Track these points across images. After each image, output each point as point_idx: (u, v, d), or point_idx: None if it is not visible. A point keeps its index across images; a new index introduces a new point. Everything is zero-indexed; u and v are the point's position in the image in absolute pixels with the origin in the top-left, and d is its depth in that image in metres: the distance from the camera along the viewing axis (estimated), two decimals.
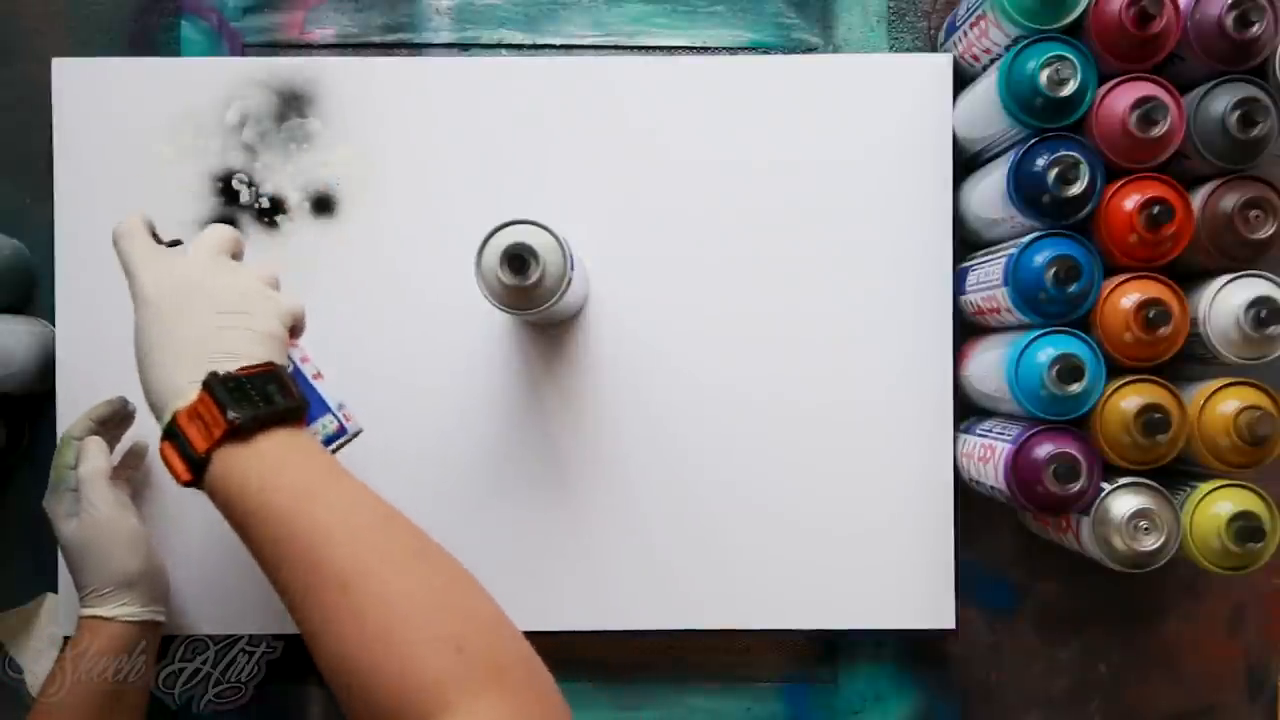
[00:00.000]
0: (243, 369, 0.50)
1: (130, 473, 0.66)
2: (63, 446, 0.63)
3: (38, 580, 0.69)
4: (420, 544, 0.47)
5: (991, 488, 0.63)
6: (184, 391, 0.49)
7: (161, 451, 0.50)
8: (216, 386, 0.48)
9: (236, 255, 0.56)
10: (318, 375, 0.59)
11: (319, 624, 0.45)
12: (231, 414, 0.48)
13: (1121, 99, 0.57)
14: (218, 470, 0.48)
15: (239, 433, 0.48)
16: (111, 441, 0.65)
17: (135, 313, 0.52)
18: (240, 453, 0.48)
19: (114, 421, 0.65)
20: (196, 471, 0.49)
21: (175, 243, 0.56)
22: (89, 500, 0.61)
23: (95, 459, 0.62)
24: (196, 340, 0.50)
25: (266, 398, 0.49)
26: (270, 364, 0.51)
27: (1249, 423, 0.56)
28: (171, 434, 0.49)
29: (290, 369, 0.55)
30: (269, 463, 0.48)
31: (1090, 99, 0.58)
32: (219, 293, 0.52)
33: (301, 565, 0.45)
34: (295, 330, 0.56)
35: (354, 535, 0.46)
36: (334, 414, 0.59)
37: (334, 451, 0.58)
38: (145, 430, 0.66)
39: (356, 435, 0.60)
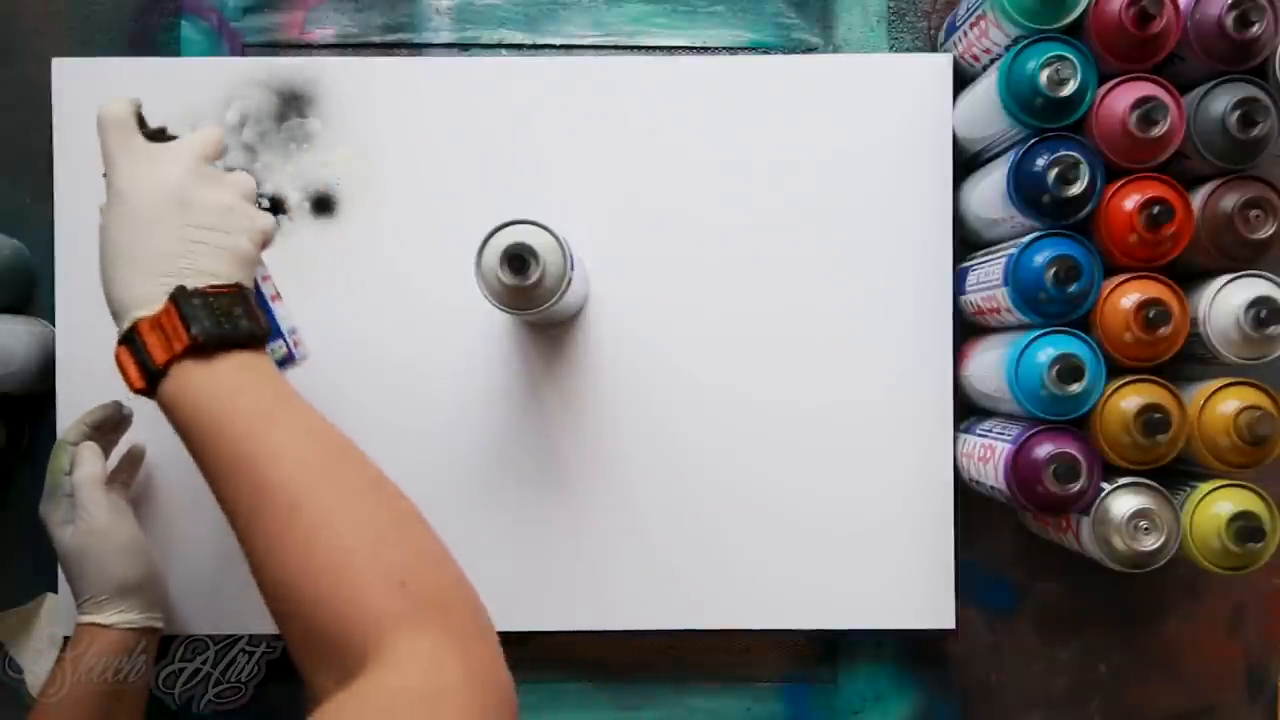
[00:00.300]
0: (211, 286, 0.50)
1: (127, 477, 0.66)
2: (57, 451, 0.63)
3: (38, 580, 0.69)
4: (372, 477, 0.47)
5: (991, 488, 0.63)
6: (148, 300, 0.49)
7: (117, 356, 0.49)
8: (183, 301, 0.48)
9: (220, 157, 0.55)
10: (275, 297, 0.59)
11: (264, 549, 0.45)
12: (195, 330, 0.47)
13: (1121, 99, 0.57)
14: (173, 385, 0.48)
15: (200, 349, 0.48)
16: (107, 446, 0.64)
17: (107, 205, 0.52)
18: (198, 370, 0.48)
19: (109, 426, 0.65)
20: (151, 382, 0.48)
21: (161, 131, 0.55)
22: (85, 507, 0.60)
23: (90, 465, 0.61)
24: (168, 252, 0.50)
25: (231, 319, 0.49)
26: (238, 285, 0.51)
27: (1249, 423, 0.56)
28: (130, 340, 0.49)
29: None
30: (225, 383, 0.48)
31: (1090, 99, 0.58)
32: (198, 205, 0.51)
33: (249, 487, 0.45)
34: (263, 247, 0.56)
35: (305, 463, 0.46)
36: (285, 339, 0.58)
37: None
38: (139, 435, 0.66)
39: (302, 361, 0.60)
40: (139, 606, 0.61)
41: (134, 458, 0.67)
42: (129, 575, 0.61)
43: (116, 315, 0.50)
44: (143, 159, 0.52)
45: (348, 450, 0.48)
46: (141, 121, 0.54)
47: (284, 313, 0.59)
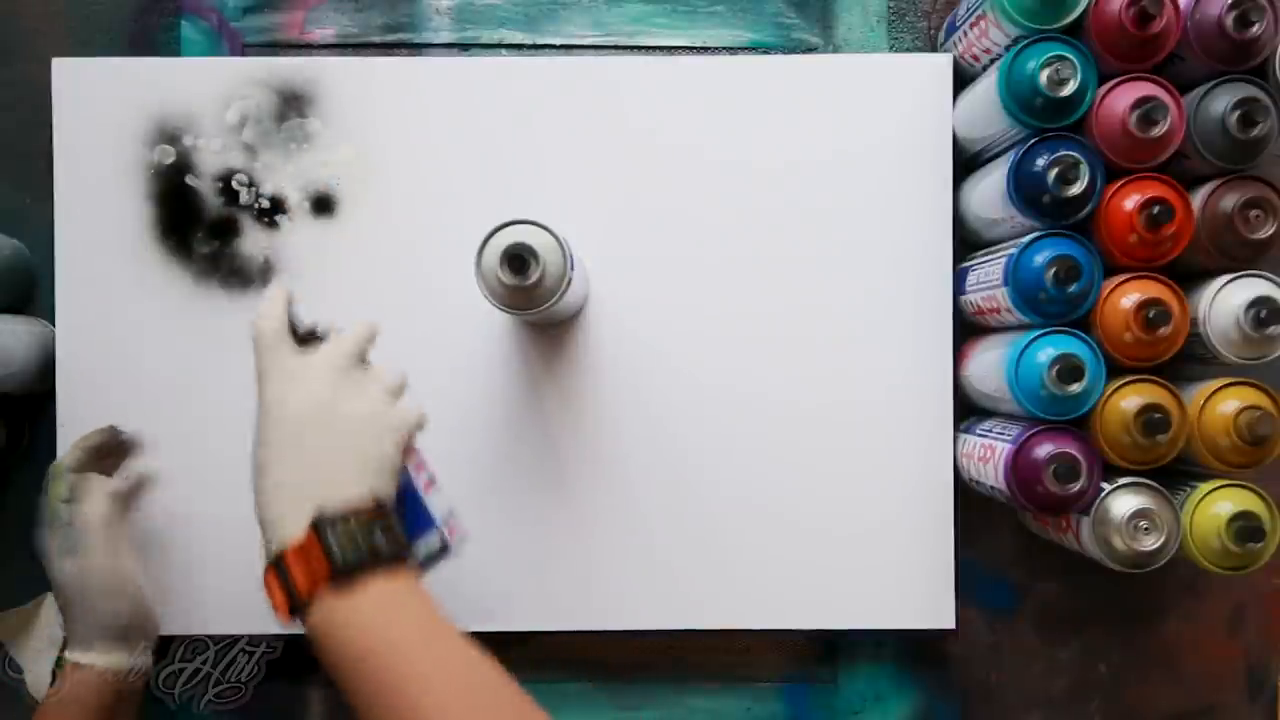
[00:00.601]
0: (352, 510, 0.50)
1: (129, 505, 0.64)
2: (54, 478, 0.61)
3: (38, 580, 0.69)
4: (516, 710, 0.47)
5: (991, 488, 0.63)
6: (293, 524, 0.49)
7: (265, 580, 0.50)
8: (323, 530, 0.48)
9: (371, 346, 0.56)
10: (429, 485, 0.58)
11: None
12: (335, 563, 0.48)
13: (1121, 99, 0.57)
14: (317, 617, 0.48)
15: (339, 581, 0.48)
16: (108, 469, 0.64)
17: (259, 418, 0.52)
18: (340, 604, 0.48)
19: (106, 450, 0.64)
20: (296, 611, 0.49)
21: (311, 334, 0.55)
22: (86, 545, 0.60)
23: (96, 503, 0.60)
24: (312, 470, 0.50)
25: (370, 543, 0.49)
26: (376, 502, 0.51)
27: (1249, 423, 0.56)
28: (278, 566, 0.49)
29: (401, 486, 0.54)
30: (366, 619, 0.48)
31: (1090, 99, 0.58)
32: (341, 419, 0.52)
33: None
34: (412, 438, 0.56)
35: (449, 697, 0.46)
36: (440, 529, 0.57)
37: (431, 567, 0.57)
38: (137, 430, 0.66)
39: (459, 548, 0.58)
40: (127, 648, 0.61)
41: (139, 484, 0.65)
42: (123, 619, 0.60)
43: (265, 536, 0.51)
44: (291, 376, 0.52)
45: (489, 680, 0.48)
46: (292, 327, 0.55)
47: (439, 500, 0.58)
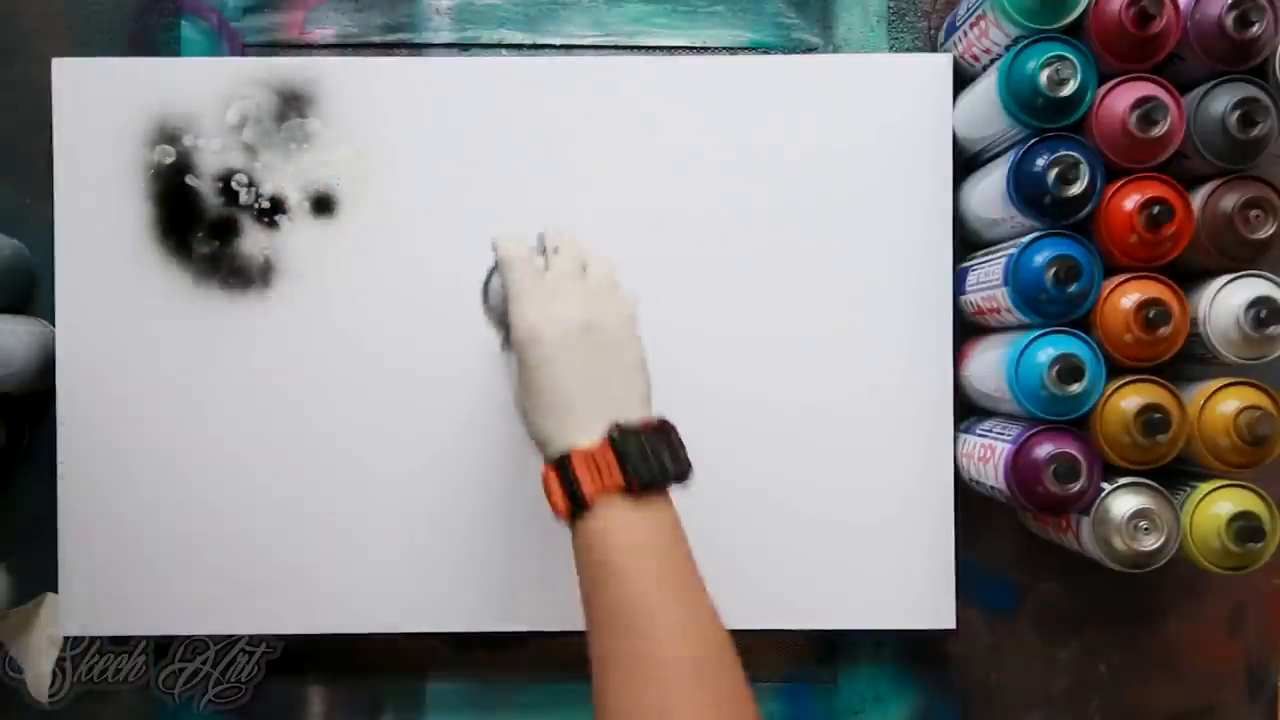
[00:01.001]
0: (645, 424, 0.51)
1: None
2: None
3: (38, 580, 0.69)
4: (734, 692, 0.48)
5: (991, 488, 0.63)
6: (585, 431, 0.50)
7: (544, 477, 0.51)
8: (624, 444, 0.50)
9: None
10: None
11: (607, 697, 0.47)
12: (631, 474, 0.49)
13: (1121, 99, 0.57)
14: (595, 523, 0.49)
15: (630, 493, 0.49)
16: None
17: (520, 347, 0.52)
18: (623, 512, 0.49)
19: None
20: (575, 512, 0.50)
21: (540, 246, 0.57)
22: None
23: None
24: (594, 381, 0.51)
25: (660, 461, 0.50)
26: (664, 422, 0.52)
27: (1249, 423, 0.56)
28: (562, 467, 0.50)
29: None
30: (641, 539, 0.49)
31: (1090, 99, 0.58)
32: (602, 329, 0.53)
33: (626, 653, 0.47)
34: None
35: (680, 660, 0.47)
36: None
37: None
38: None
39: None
40: None
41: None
42: None
43: (545, 443, 0.51)
44: (548, 296, 0.54)
45: (723, 651, 0.49)
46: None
47: None
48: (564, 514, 0.50)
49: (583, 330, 0.52)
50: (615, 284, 0.56)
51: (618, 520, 0.49)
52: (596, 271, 0.56)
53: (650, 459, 0.50)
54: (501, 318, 0.58)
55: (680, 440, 0.52)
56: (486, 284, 0.59)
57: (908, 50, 0.72)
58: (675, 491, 0.52)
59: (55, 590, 0.68)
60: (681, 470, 0.51)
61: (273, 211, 0.69)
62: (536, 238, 0.58)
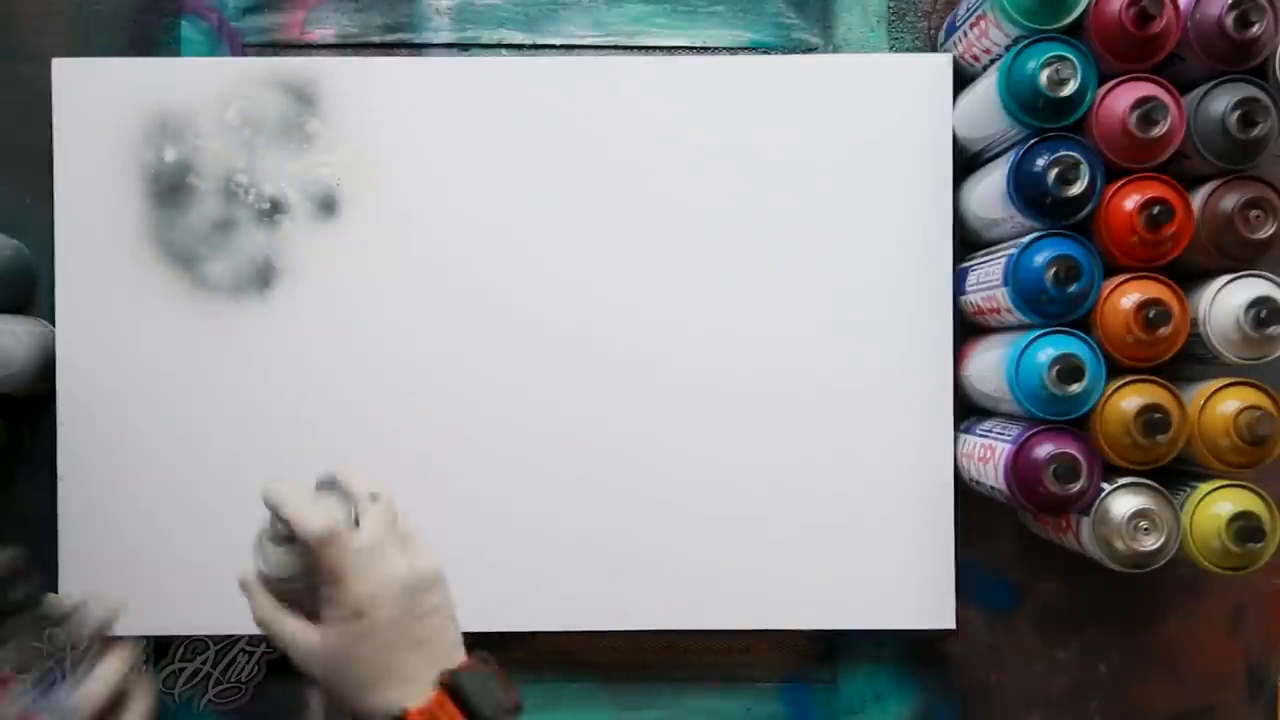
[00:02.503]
0: (467, 664, 0.49)
1: None
2: None
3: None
4: None
5: (991, 488, 0.63)
6: (415, 692, 0.48)
7: None
8: (463, 689, 0.48)
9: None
10: None
11: None
12: (477, 715, 0.47)
13: (1121, 99, 0.57)
14: None
15: None
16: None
17: (340, 623, 0.49)
18: None
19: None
20: None
21: (331, 483, 0.52)
22: None
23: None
24: (417, 642, 0.49)
25: (493, 695, 0.48)
26: (482, 655, 0.50)
27: (1249, 423, 0.56)
28: None
29: None
30: None
31: (1090, 99, 0.58)
32: (421, 583, 0.50)
33: None
34: None
35: None
36: None
37: None
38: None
39: None
40: None
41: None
42: None
43: (371, 712, 0.49)
44: (368, 568, 0.49)
45: None
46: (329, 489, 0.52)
47: None
48: None
49: (407, 594, 0.49)
50: (413, 530, 0.53)
51: None
52: (402, 520, 0.52)
53: (489, 693, 0.48)
54: (283, 584, 0.52)
55: (502, 671, 0.50)
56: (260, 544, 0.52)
57: (908, 50, 0.72)
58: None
59: (55, 590, 0.68)
60: (514, 700, 0.49)
61: (273, 212, 0.69)
62: (317, 482, 0.53)
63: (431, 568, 0.51)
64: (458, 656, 0.50)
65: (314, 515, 0.49)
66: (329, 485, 0.52)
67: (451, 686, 0.48)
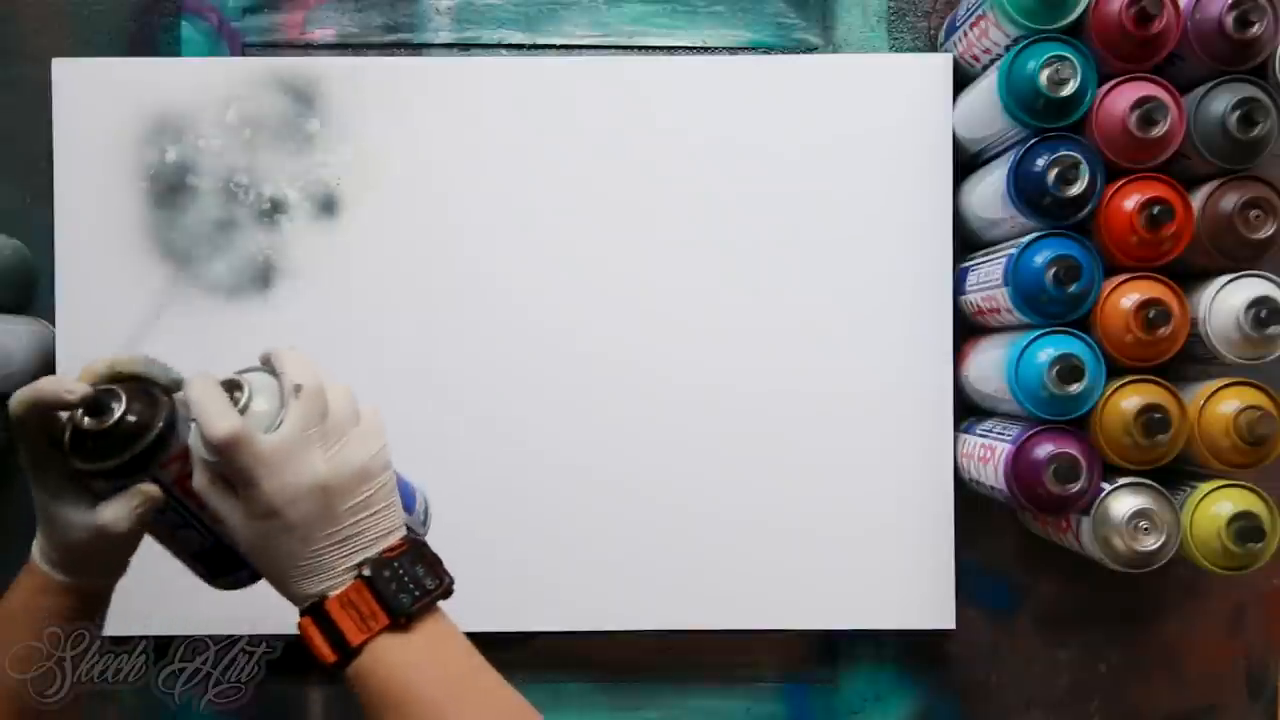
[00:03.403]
0: (389, 551, 0.49)
1: None
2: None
3: None
4: None
5: (991, 488, 0.63)
6: (334, 579, 0.48)
7: (303, 629, 0.49)
8: (376, 579, 0.48)
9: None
10: None
11: None
12: (395, 609, 0.47)
13: (1121, 99, 0.57)
14: (366, 660, 0.48)
15: (396, 625, 0.48)
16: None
17: (255, 520, 0.48)
18: (392, 646, 0.48)
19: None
20: (344, 659, 0.48)
21: (234, 384, 0.49)
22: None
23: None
24: (341, 539, 0.49)
25: (418, 582, 0.49)
26: (410, 540, 0.50)
27: (1249, 423, 0.56)
28: (321, 619, 0.48)
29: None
30: (419, 659, 0.48)
31: (1090, 99, 0.58)
32: (345, 481, 0.49)
33: None
34: None
35: None
36: (419, 491, 0.56)
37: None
38: None
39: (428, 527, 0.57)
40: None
41: None
42: None
43: (294, 598, 0.49)
44: (280, 463, 0.48)
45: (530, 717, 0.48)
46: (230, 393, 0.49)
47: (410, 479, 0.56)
48: (332, 660, 0.48)
49: (323, 494, 0.48)
50: (355, 415, 0.51)
51: (393, 655, 0.47)
52: (337, 409, 0.50)
53: (409, 585, 0.48)
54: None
55: (434, 555, 0.50)
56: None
57: (908, 50, 0.72)
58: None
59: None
60: (443, 584, 0.49)
61: (273, 211, 0.69)
62: (260, 360, 0.51)
63: (356, 464, 0.50)
64: (382, 542, 0.49)
65: (218, 420, 0.47)
66: (270, 369, 0.51)
67: (369, 578, 0.48)
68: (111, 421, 0.48)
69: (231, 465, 0.48)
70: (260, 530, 0.49)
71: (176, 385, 0.51)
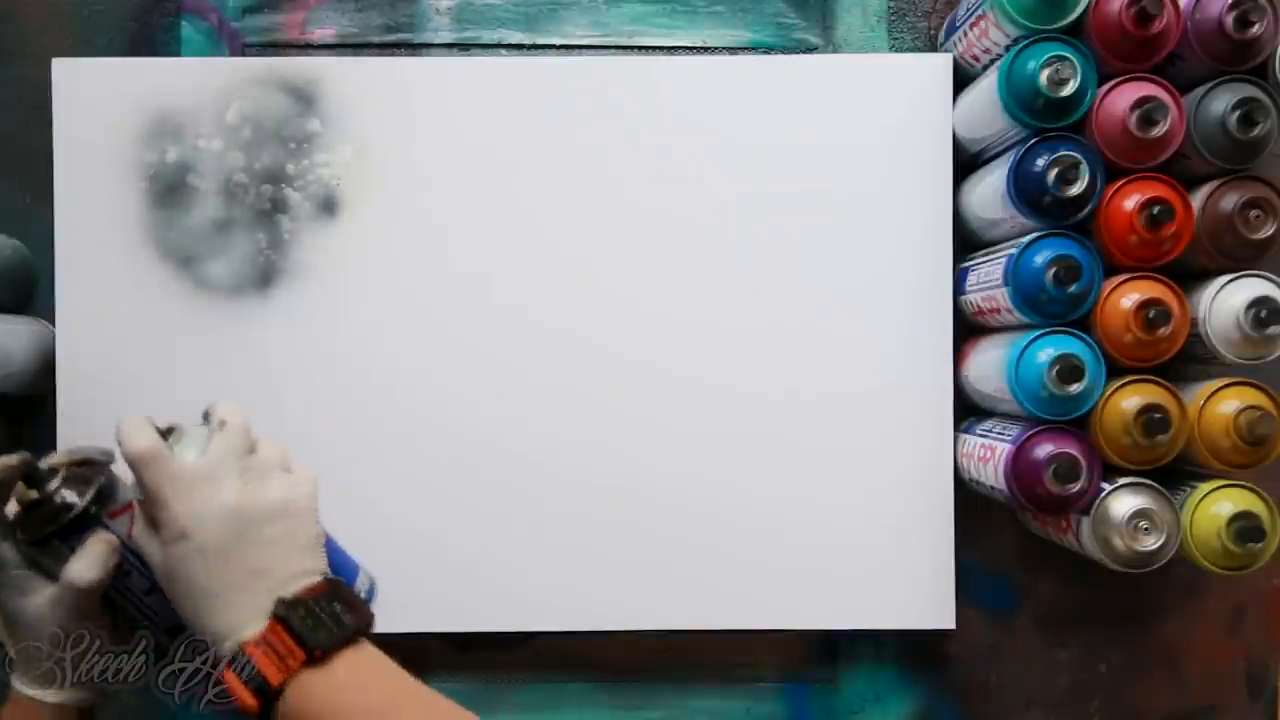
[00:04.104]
0: (307, 590, 0.49)
1: None
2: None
3: None
4: None
5: (991, 488, 0.63)
6: (248, 621, 0.48)
7: (224, 678, 0.49)
8: (291, 617, 0.48)
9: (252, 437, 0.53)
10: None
11: None
12: (311, 644, 0.47)
13: (1121, 99, 0.57)
14: (292, 700, 0.47)
15: (314, 661, 0.47)
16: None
17: (167, 545, 0.49)
18: (315, 680, 0.47)
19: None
20: (266, 702, 0.48)
21: (169, 431, 0.52)
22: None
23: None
24: (253, 571, 0.49)
25: (336, 619, 0.48)
26: (330, 580, 0.50)
27: (1249, 423, 0.56)
28: (241, 666, 0.48)
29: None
30: (344, 688, 0.47)
31: (1090, 99, 0.58)
32: (260, 513, 0.50)
33: None
34: None
35: None
36: (364, 571, 0.56)
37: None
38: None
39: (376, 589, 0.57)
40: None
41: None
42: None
43: (214, 641, 0.49)
44: (194, 486, 0.49)
45: None
46: (161, 434, 0.51)
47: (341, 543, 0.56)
48: (255, 706, 0.47)
49: (236, 521, 0.49)
50: (286, 466, 0.52)
51: (316, 688, 0.47)
52: (266, 454, 0.52)
53: (326, 622, 0.48)
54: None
55: (350, 592, 0.50)
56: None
57: (908, 50, 0.72)
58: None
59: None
60: (362, 620, 0.49)
61: (273, 212, 0.69)
62: (202, 414, 0.53)
63: (276, 500, 0.50)
64: (297, 582, 0.49)
65: (136, 435, 0.49)
66: (206, 419, 0.53)
67: (283, 617, 0.48)
68: (54, 484, 0.52)
69: (144, 482, 0.49)
70: (173, 555, 0.49)
71: (112, 457, 0.53)
